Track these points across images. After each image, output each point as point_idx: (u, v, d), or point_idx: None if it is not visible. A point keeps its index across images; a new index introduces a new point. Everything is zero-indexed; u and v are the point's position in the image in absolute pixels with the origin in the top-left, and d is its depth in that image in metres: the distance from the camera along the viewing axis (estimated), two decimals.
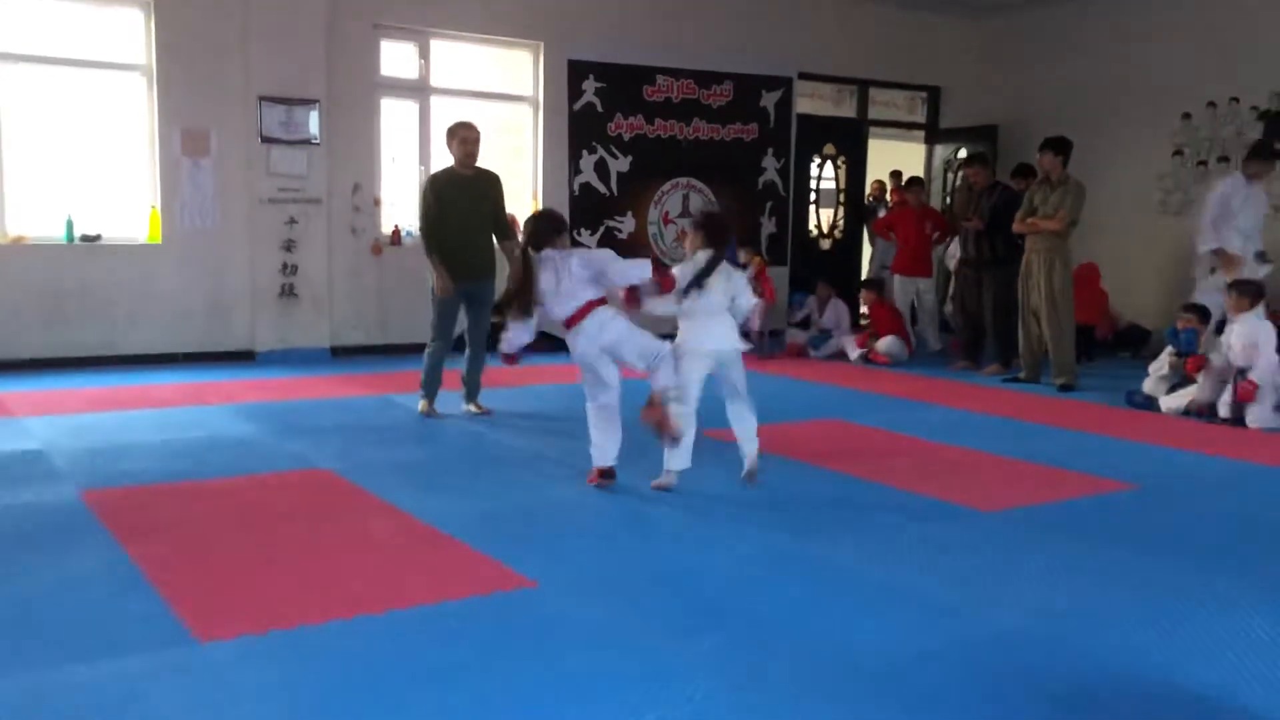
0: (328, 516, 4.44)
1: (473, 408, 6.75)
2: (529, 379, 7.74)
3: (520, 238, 5.27)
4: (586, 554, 4.03)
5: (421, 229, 6.68)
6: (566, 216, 10.07)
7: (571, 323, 4.89)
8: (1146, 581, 3.83)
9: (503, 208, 6.70)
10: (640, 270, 4.85)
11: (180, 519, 4.36)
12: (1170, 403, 7.29)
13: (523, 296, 4.94)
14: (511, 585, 3.63)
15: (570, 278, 4.83)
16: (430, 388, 6.70)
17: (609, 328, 4.87)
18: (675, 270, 4.98)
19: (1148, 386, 7.55)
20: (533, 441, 6.05)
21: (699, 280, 4.90)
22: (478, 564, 3.86)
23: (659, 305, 4.96)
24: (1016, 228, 8.42)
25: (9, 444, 5.64)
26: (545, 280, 4.88)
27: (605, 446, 5.01)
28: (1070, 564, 4.02)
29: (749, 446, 5.13)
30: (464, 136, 6.51)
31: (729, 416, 5.17)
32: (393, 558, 3.94)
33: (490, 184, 6.66)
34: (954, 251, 9.97)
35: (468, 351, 6.75)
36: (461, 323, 6.73)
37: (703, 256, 5.00)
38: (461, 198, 6.48)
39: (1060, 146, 8.22)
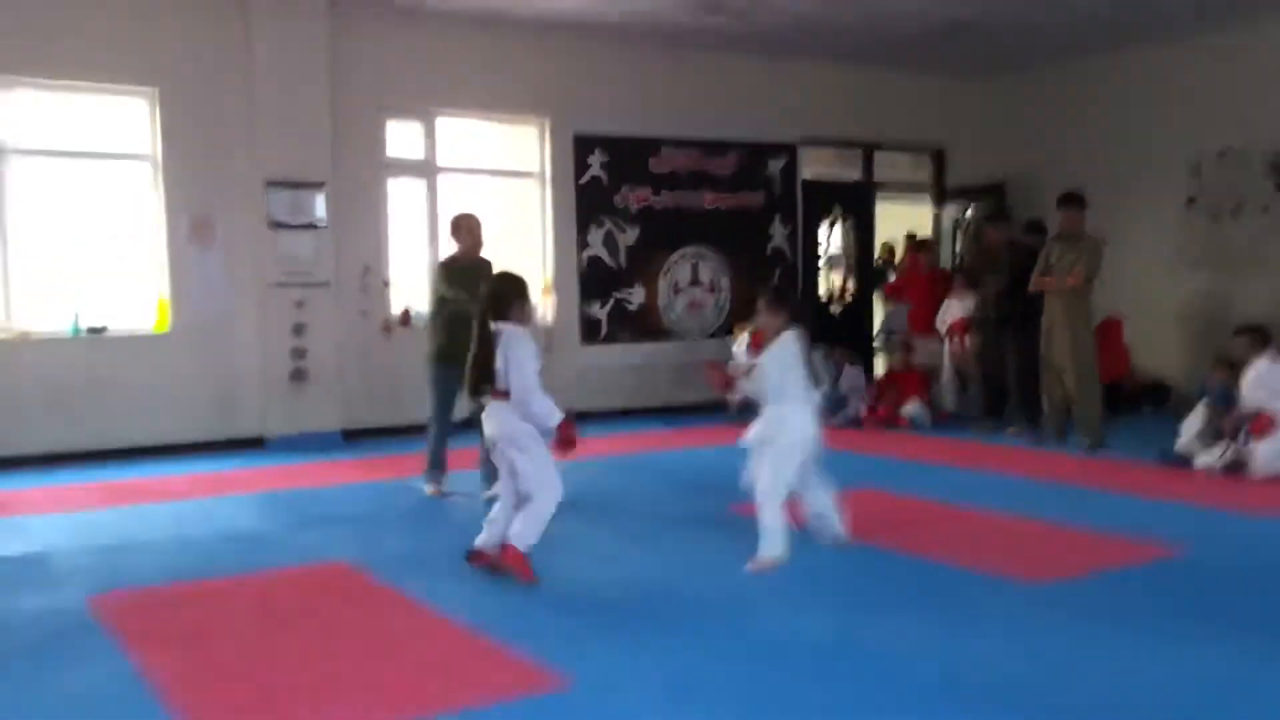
0: (344, 616, 4.25)
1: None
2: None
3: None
4: (619, 648, 3.82)
5: (434, 304, 6.73)
6: (576, 290, 10.13)
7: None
8: (1203, 657, 3.63)
9: None
10: (547, 414, 4.61)
11: (191, 624, 4.18)
12: (1205, 459, 7.09)
13: (482, 372, 4.63)
14: (542, 689, 3.43)
15: (511, 358, 4.61)
16: (436, 469, 6.64)
17: (504, 427, 4.65)
18: (761, 358, 4.99)
19: (1182, 445, 7.35)
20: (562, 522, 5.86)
21: (810, 363, 4.94)
22: (504, 663, 3.67)
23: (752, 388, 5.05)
24: (1034, 286, 8.29)
25: (12, 547, 5.47)
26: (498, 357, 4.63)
27: (499, 529, 4.73)
28: (1116, 642, 3.82)
29: (836, 516, 5.15)
30: (470, 227, 6.72)
31: (810, 498, 5.14)
32: (414, 660, 3.74)
33: (489, 272, 6.46)
34: (951, 314, 9.85)
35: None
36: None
37: (792, 338, 4.90)
38: (470, 283, 6.22)
39: (1081, 202, 8.12)
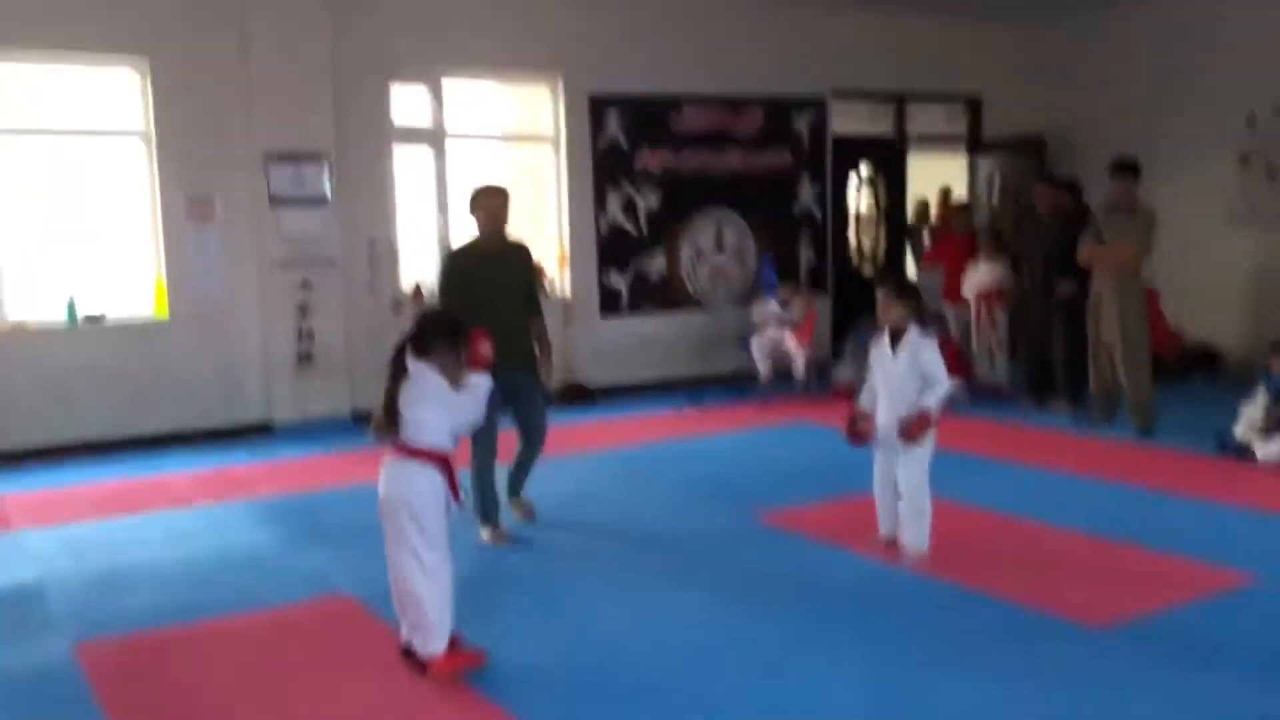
0: (347, 676, 3.89)
1: (514, 510, 5.78)
2: (574, 445, 7.17)
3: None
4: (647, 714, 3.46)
5: (441, 299, 5.69)
6: (595, 260, 9.68)
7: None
8: None
9: (535, 285, 5.87)
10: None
11: (182, 686, 3.84)
12: (1268, 451, 6.64)
13: (389, 413, 3.80)
14: None
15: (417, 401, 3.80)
16: (488, 511, 5.51)
17: (396, 487, 3.84)
18: (930, 364, 4.83)
19: (1240, 432, 6.90)
20: (579, 542, 5.50)
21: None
22: None
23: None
24: (1083, 259, 7.78)
25: (3, 574, 5.15)
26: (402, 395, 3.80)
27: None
28: (1193, 700, 3.42)
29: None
30: (487, 206, 5.50)
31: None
32: None
33: (522, 259, 5.75)
34: (980, 279, 9.36)
35: (521, 446, 5.72)
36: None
37: (922, 334, 4.85)
38: (493, 277, 5.49)
39: (1136, 170, 7.58)
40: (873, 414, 5.05)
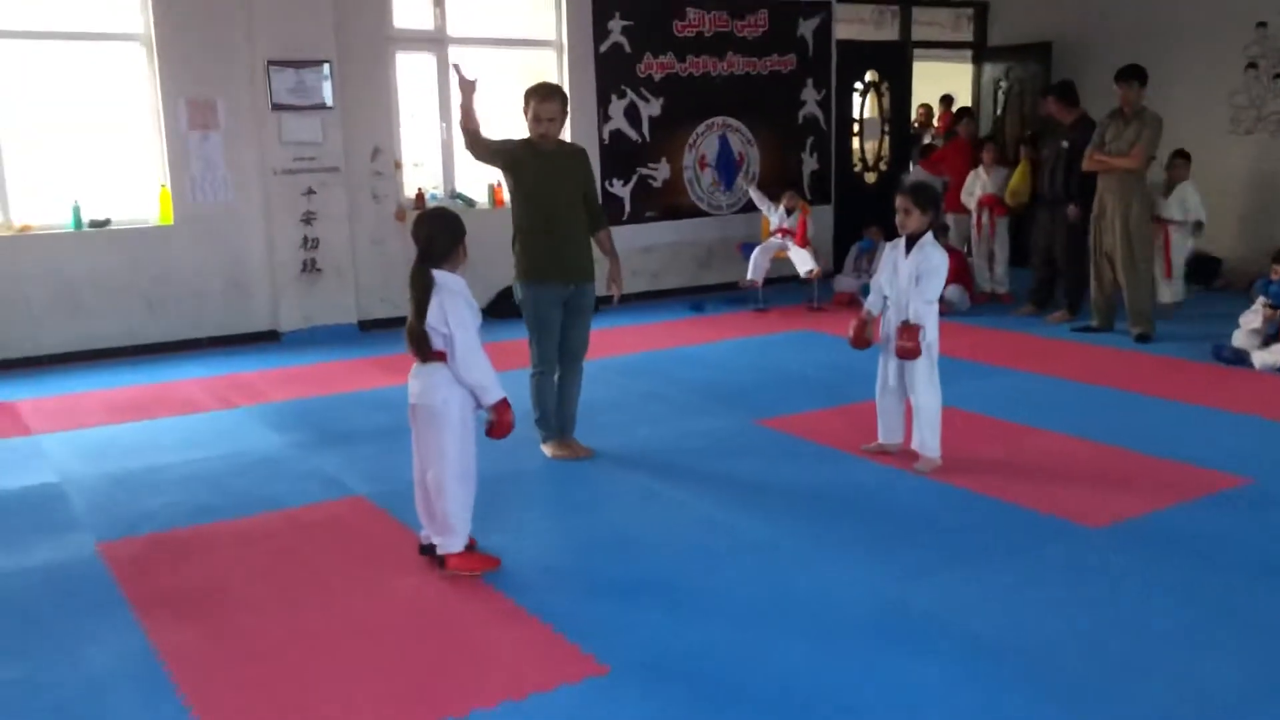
0: (362, 572, 4.02)
1: (566, 451, 5.37)
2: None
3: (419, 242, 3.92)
4: (655, 621, 3.57)
5: (513, 200, 5.22)
6: (598, 167, 9.63)
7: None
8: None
9: (594, 191, 5.42)
10: (488, 387, 3.88)
11: (205, 584, 3.96)
12: (1265, 358, 6.73)
13: (417, 331, 3.81)
14: (579, 675, 3.20)
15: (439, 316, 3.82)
16: (549, 422, 5.32)
17: (428, 395, 3.89)
18: (932, 273, 4.86)
19: (1238, 340, 6.98)
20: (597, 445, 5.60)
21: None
22: (539, 642, 3.43)
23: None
24: (1087, 165, 7.78)
25: (26, 476, 5.26)
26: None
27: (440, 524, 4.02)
28: (1188, 593, 3.55)
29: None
30: (538, 114, 5.01)
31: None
32: (438, 635, 3.51)
33: (579, 161, 5.27)
34: (980, 188, 9.35)
35: (560, 377, 5.34)
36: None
37: (934, 244, 4.92)
38: (545, 178, 5.09)
39: (1143, 76, 7.53)
40: (877, 319, 5.12)
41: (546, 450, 5.37)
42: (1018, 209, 9.11)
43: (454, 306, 3.82)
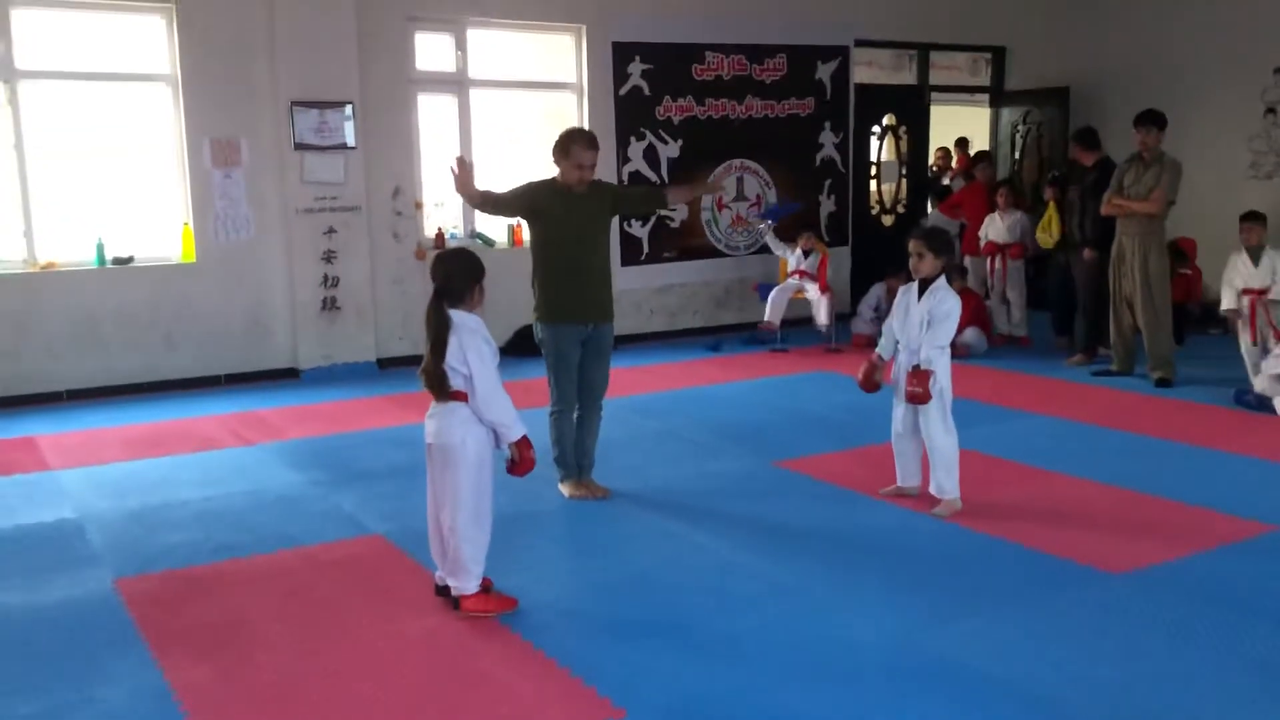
0: (379, 612, 4.00)
1: (584, 491, 5.36)
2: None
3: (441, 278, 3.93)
4: (671, 663, 3.55)
5: (533, 242, 5.27)
6: None
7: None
8: None
9: (629, 192, 5.66)
10: (509, 425, 3.88)
11: (222, 623, 3.95)
12: None
13: (435, 370, 3.82)
14: (596, 719, 3.17)
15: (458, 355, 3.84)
16: (567, 462, 5.33)
17: (446, 434, 3.88)
18: (945, 317, 4.85)
19: (1259, 385, 6.93)
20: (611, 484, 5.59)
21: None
22: (554, 685, 3.41)
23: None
24: (1106, 209, 7.78)
25: (45, 512, 5.28)
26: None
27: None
28: (1228, 655, 3.50)
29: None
30: (579, 161, 5.02)
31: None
32: (454, 676, 3.49)
33: (606, 196, 5.30)
34: (993, 232, 9.37)
35: (580, 416, 5.32)
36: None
37: (948, 289, 4.91)
38: (572, 219, 5.10)
39: (1161, 121, 7.55)
40: (890, 362, 5.12)
41: (564, 490, 5.37)
42: (1042, 253, 9.07)
43: (473, 344, 3.82)
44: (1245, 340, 7.36)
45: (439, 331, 3.80)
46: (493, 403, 3.84)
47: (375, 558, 4.60)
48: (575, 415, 5.32)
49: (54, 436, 6.78)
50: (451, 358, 3.80)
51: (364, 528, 4.97)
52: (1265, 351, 7.08)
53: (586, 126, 9.53)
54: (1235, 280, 7.36)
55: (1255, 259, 7.28)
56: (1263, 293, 7.23)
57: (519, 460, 3.93)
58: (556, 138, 5.16)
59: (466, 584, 3.94)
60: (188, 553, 4.67)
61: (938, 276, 4.91)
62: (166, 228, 8.20)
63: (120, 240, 8.03)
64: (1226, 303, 7.42)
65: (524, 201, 5.19)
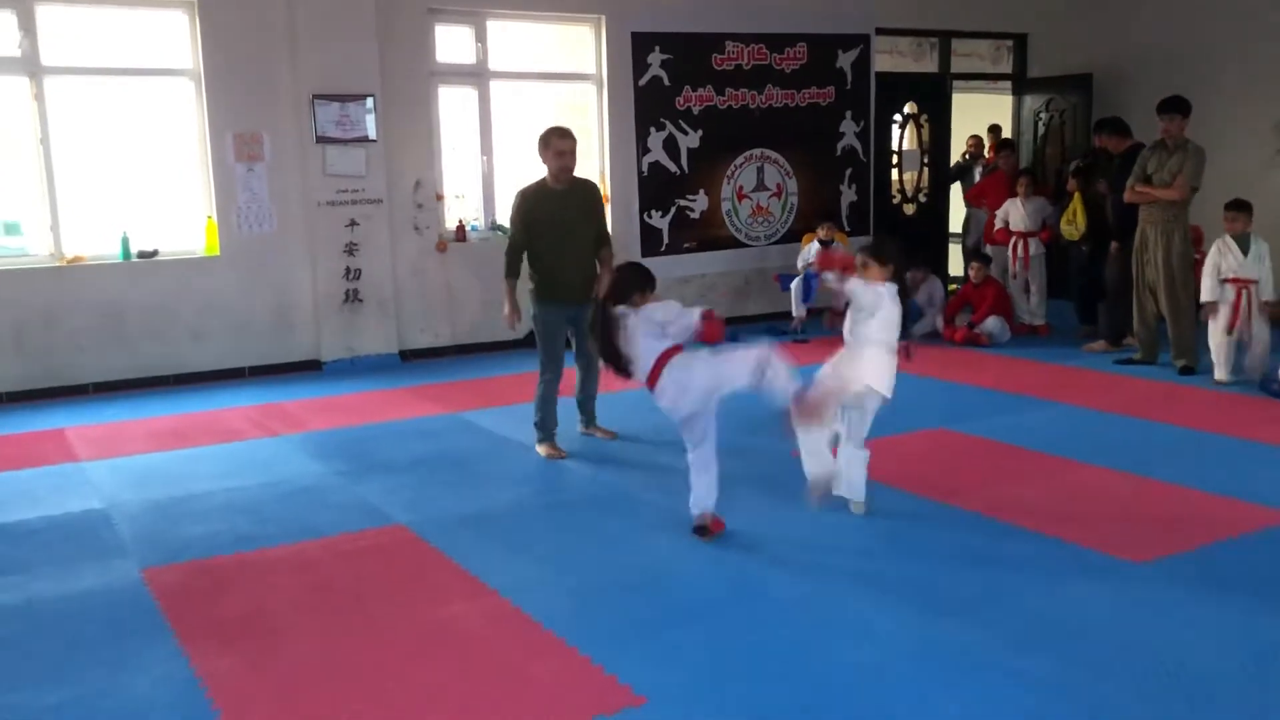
0: (402, 601, 4.03)
1: (596, 432, 6.30)
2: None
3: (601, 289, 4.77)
4: (695, 648, 3.57)
5: (506, 251, 6.04)
6: (636, 199, 9.70)
7: (651, 382, 4.55)
8: None
9: (603, 220, 6.26)
10: (697, 314, 4.51)
11: (246, 611, 4.00)
12: None
13: (611, 357, 4.58)
14: (616, 706, 3.19)
15: (638, 337, 4.50)
16: (547, 426, 6.03)
17: (693, 372, 4.47)
18: (856, 288, 4.64)
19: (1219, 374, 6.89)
20: (629, 477, 5.60)
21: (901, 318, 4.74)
22: (575, 672, 3.43)
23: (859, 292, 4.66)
24: (1129, 197, 7.73)
25: (73, 502, 5.34)
26: (621, 340, 4.55)
27: (701, 497, 4.61)
28: (1256, 644, 3.49)
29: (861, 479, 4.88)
30: (560, 149, 5.84)
31: (845, 452, 4.87)
32: (478, 666, 3.52)
33: (590, 196, 6.13)
34: (1012, 220, 9.32)
35: (579, 374, 6.25)
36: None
37: (891, 293, 4.67)
38: (560, 215, 5.89)
39: (1185, 108, 7.49)
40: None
41: (540, 450, 5.98)
42: (1070, 242, 9.00)
43: (645, 311, 4.48)
44: (1218, 331, 7.25)
45: (604, 327, 4.52)
46: (683, 312, 4.47)
47: (398, 548, 4.63)
48: (578, 379, 6.21)
49: (81, 428, 6.86)
50: (633, 332, 4.46)
51: (387, 518, 5.00)
52: (1240, 345, 7.04)
53: (605, 118, 9.58)
54: (1222, 269, 7.24)
55: (1244, 248, 7.19)
56: (1251, 283, 7.16)
57: (709, 328, 4.44)
58: (538, 137, 5.94)
59: (786, 382, 4.39)
60: (213, 543, 4.72)
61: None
62: (190, 221, 8.27)
63: (145, 234, 8.11)
64: (1207, 293, 7.30)
65: (526, 219, 5.93)
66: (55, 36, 7.68)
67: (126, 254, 8.00)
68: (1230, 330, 7.17)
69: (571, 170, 5.93)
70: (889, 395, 4.70)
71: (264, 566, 4.45)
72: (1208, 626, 3.63)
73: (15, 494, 5.51)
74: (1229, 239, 7.22)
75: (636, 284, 4.61)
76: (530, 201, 5.94)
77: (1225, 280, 7.22)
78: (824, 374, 4.74)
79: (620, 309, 4.55)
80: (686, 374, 4.46)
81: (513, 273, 5.98)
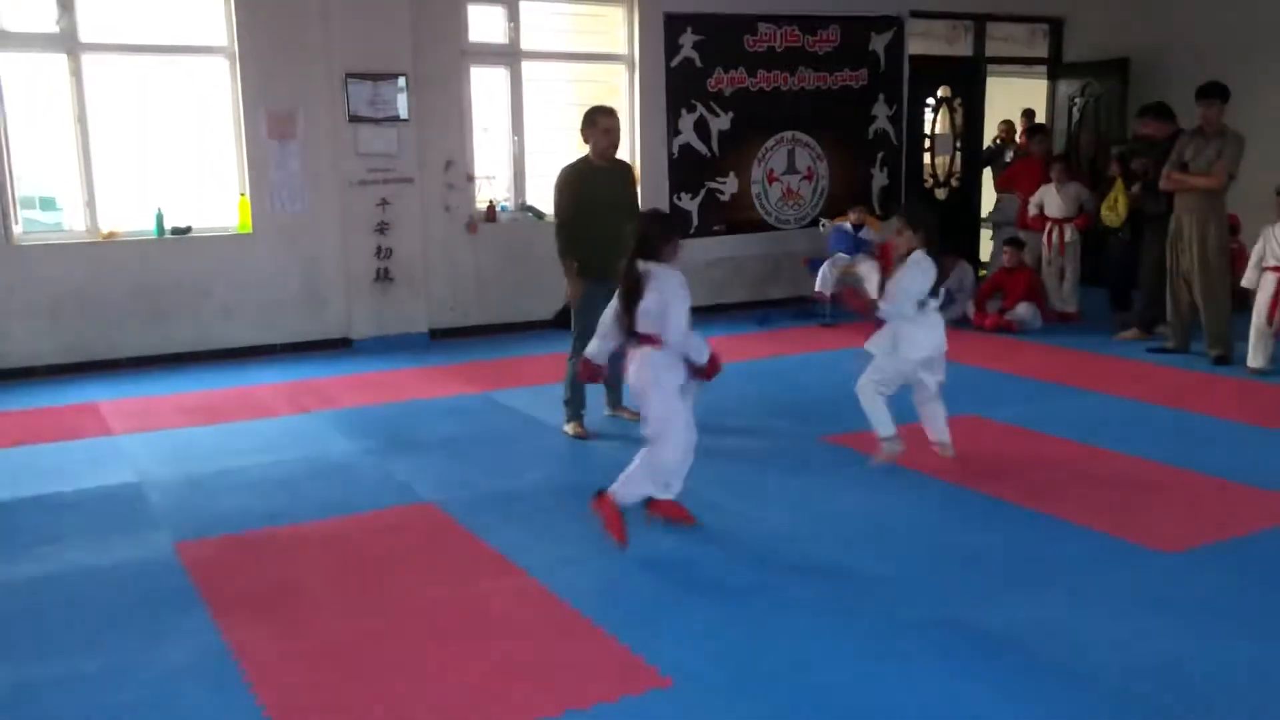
0: (430, 578, 4.08)
1: (623, 413, 6.20)
2: None
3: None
4: (723, 631, 3.59)
5: (557, 229, 6.00)
6: (666, 180, 9.68)
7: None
8: None
9: (637, 200, 6.31)
10: (700, 350, 4.33)
11: (277, 585, 4.05)
12: None
13: (627, 315, 4.31)
14: (643, 686, 3.21)
15: (647, 304, 4.27)
16: (576, 406, 6.03)
17: (649, 396, 4.33)
18: (897, 283, 4.96)
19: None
20: None
21: (936, 288, 4.99)
22: (602, 652, 3.46)
23: (894, 313, 4.99)
24: (1164, 185, 7.64)
25: (107, 476, 5.42)
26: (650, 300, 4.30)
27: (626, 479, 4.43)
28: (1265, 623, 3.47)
29: (945, 437, 5.30)
30: (607, 126, 5.94)
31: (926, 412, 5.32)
32: (504, 644, 3.55)
33: (627, 175, 6.28)
34: (1047, 205, 9.25)
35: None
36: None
37: (923, 258, 4.96)
38: (602, 193, 5.92)
39: (1224, 94, 7.39)
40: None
41: (568, 430, 6.01)
42: (1109, 228, 8.91)
43: (670, 287, 4.19)
44: (1260, 319, 7.17)
45: (631, 282, 4.24)
46: (686, 340, 4.24)
47: (427, 525, 4.67)
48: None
49: (115, 403, 6.94)
50: (647, 301, 4.20)
51: (416, 495, 5.04)
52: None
53: (637, 99, 9.56)
54: (1268, 257, 7.16)
55: None
56: None
57: (709, 368, 4.35)
58: (582, 117, 6.01)
59: (627, 494, 4.33)
60: (244, 517, 4.78)
61: (915, 250, 5.03)
62: (224, 198, 8.32)
63: (179, 211, 8.17)
64: (1250, 280, 7.25)
65: (576, 196, 5.92)
66: (93, 14, 7.73)
67: (161, 230, 8.07)
68: (1270, 320, 7.08)
69: (617, 148, 6.07)
70: (918, 357, 5.07)
71: (295, 541, 4.51)
72: (1242, 617, 3.61)
73: (50, 467, 5.59)
74: (1278, 227, 7.12)
75: (663, 232, 4.35)
76: (579, 179, 5.97)
77: (1267, 268, 7.14)
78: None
79: (645, 266, 4.28)
80: (642, 385, 4.35)
81: (571, 250, 5.92)
